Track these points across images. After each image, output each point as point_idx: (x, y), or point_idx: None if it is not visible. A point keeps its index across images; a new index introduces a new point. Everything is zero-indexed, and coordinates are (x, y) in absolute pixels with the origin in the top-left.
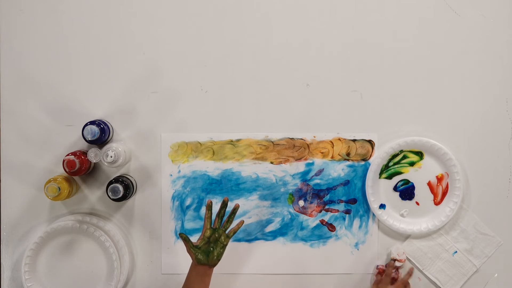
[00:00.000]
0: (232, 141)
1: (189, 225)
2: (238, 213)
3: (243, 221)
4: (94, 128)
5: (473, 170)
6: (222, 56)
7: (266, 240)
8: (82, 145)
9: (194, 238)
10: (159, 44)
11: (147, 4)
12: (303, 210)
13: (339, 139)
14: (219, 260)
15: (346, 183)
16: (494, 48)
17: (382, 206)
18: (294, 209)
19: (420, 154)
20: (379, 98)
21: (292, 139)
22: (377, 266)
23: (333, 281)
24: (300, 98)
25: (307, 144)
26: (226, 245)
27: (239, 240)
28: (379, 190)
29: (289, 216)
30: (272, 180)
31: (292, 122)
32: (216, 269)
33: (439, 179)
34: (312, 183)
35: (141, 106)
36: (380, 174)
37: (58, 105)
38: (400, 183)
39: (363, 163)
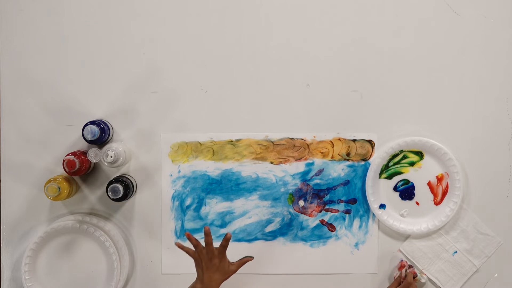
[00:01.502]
0: (232, 141)
1: (189, 225)
2: (237, 212)
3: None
4: (94, 128)
5: (473, 170)
6: (222, 56)
7: (266, 240)
8: (82, 145)
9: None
10: (159, 44)
11: (147, 4)
12: (303, 210)
13: (339, 139)
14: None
15: (346, 183)
16: (494, 48)
17: (382, 206)
18: (294, 209)
19: (420, 154)
20: (379, 98)
21: (292, 139)
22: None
23: (333, 281)
24: (300, 98)
25: (307, 144)
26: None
27: (239, 240)
28: (379, 190)
29: (289, 216)
30: (272, 180)
31: (292, 122)
32: None
33: (439, 179)
34: (312, 183)
35: (141, 106)
36: (380, 174)
37: (58, 105)
38: (400, 183)
39: (363, 163)
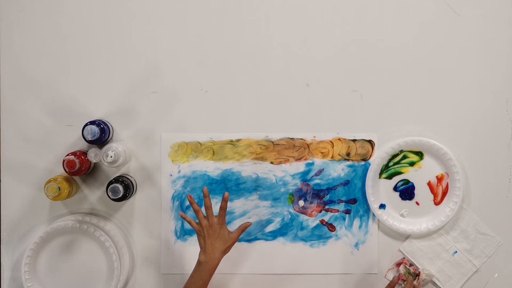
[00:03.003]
0: (232, 141)
1: (189, 225)
2: (237, 212)
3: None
4: (94, 128)
5: (473, 170)
6: (222, 56)
7: (266, 240)
8: (82, 145)
9: (195, 239)
10: (159, 44)
11: (147, 4)
12: (303, 210)
13: (339, 139)
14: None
15: (346, 183)
16: (494, 48)
17: (382, 206)
18: (294, 209)
19: (420, 154)
20: (379, 98)
21: (292, 139)
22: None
23: (333, 281)
24: (300, 98)
25: (307, 144)
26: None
27: (239, 240)
28: (379, 190)
29: (289, 216)
30: (272, 180)
31: (292, 122)
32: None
33: (439, 179)
34: (312, 183)
35: (141, 106)
36: (380, 174)
37: (58, 105)
38: (400, 183)
39: (363, 163)
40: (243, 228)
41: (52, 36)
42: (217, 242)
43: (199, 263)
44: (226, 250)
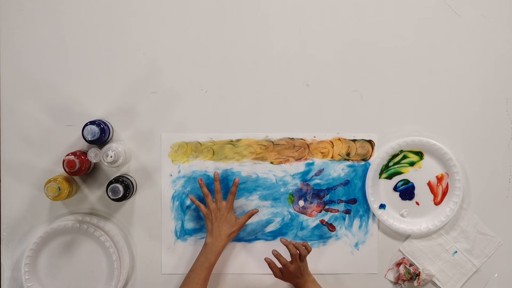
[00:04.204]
0: (232, 141)
1: (189, 225)
2: (237, 212)
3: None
4: (94, 128)
5: (473, 170)
6: (222, 56)
7: (266, 240)
8: (82, 145)
9: (195, 238)
10: (159, 44)
11: (147, 4)
12: (303, 210)
13: (339, 139)
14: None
15: (346, 183)
16: (494, 48)
17: (382, 206)
18: (294, 209)
19: (420, 154)
20: (379, 98)
21: (292, 139)
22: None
23: (333, 281)
24: (300, 98)
25: (307, 144)
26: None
27: (239, 240)
28: (379, 190)
29: (289, 216)
30: (272, 180)
31: (292, 122)
32: (216, 269)
33: (439, 179)
34: (312, 183)
35: (141, 106)
36: (380, 174)
37: (58, 105)
38: (400, 183)
39: (363, 163)
40: (250, 214)
41: (52, 36)
42: (224, 225)
43: (205, 245)
44: (232, 235)
